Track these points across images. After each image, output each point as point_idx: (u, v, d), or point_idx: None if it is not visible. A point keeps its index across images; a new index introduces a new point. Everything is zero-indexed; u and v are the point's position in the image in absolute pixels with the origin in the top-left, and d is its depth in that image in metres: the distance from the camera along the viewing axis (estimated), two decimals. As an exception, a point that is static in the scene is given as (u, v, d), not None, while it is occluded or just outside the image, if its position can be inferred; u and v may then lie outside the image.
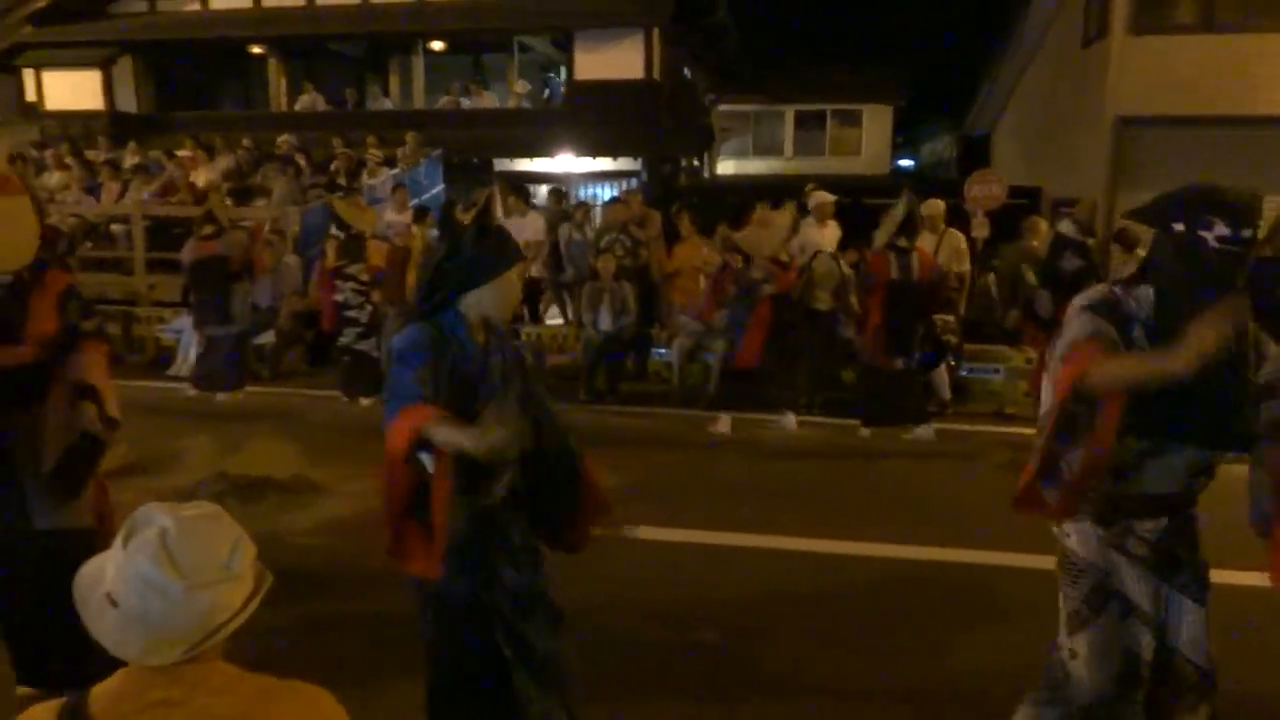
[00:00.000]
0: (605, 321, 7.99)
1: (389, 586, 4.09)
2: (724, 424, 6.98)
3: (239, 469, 5.50)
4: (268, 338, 8.69)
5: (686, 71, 17.01)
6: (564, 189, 12.56)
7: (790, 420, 7.03)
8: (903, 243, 6.64)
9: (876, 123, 20.85)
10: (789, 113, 20.95)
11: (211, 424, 6.96)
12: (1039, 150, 14.72)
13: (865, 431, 6.82)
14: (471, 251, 2.44)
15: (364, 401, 7.49)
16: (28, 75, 15.73)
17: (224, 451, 6.08)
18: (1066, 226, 6.16)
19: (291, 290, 8.90)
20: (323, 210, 10.22)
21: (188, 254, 7.68)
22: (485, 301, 2.47)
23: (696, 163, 18.39)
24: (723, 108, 20.59)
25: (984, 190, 9.25)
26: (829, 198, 8.35)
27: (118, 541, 1.39)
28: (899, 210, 6.71)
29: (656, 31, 14.01)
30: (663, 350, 8.50)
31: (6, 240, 2.82)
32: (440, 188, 12.81)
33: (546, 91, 16.26)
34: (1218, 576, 2.41)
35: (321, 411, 7.45)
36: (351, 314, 7.60)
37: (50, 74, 15.48)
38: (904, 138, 25.21)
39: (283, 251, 9.39)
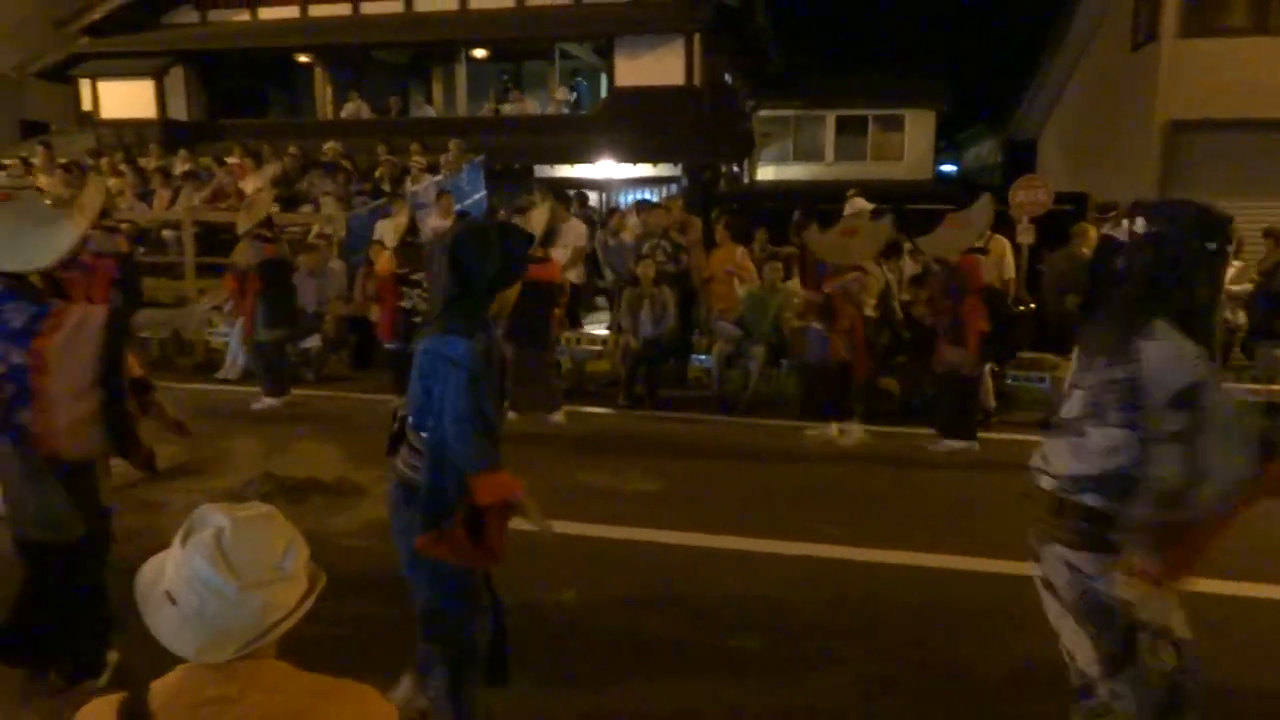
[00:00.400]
0: (645, 327, 8.01)
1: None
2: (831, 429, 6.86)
3: (285, 471, 5.60)
4: (314, 341, 8.82)
5: (727, 77, 16.99)
6: (586, 194, 12.63)
7: (832, 429, 6.94)
8: (980, 244, 6.59)
9: (919, 128, 20.64)
10: (830, 118, 20.82)
11: (258, 426, 7.09)
12: (1086, 155, 14.49)
13: (958, 443, 6.44)
14: (504, 252, 2.52)
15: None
16: (84, 85, 16.16)
17: (270, 453, 6.20)
18: (1117, 228, 6.03)
19: (337, 295, 9.04)
20: (368, 216, 10.38)
21: (253, 256, 7.65)
22: (504, 301, 2.58)
23: (736, 169, 18.35)
24: (763, 113, 20.53)
25: (1029, 196, 9.12)
26: (866, 205, 8.31)
27: (176, 540, 1.42)
28: (983, 213, 6.57)
29: (697, 37, 14.03)
30: (702, 356, 8.50)
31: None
32: (482, 194, 12.92)
33: (574, 94, 16.32)
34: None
35: (365, 415, 7.55)
36: (419, 320, 7.73)
37: (105, 84, 15.89)
38: (947, 143, 24.93)
39: (328, 256, 9.54)
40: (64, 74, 16.33)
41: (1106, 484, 2.22)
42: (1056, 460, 2.35)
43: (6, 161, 13.54)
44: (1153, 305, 2.19)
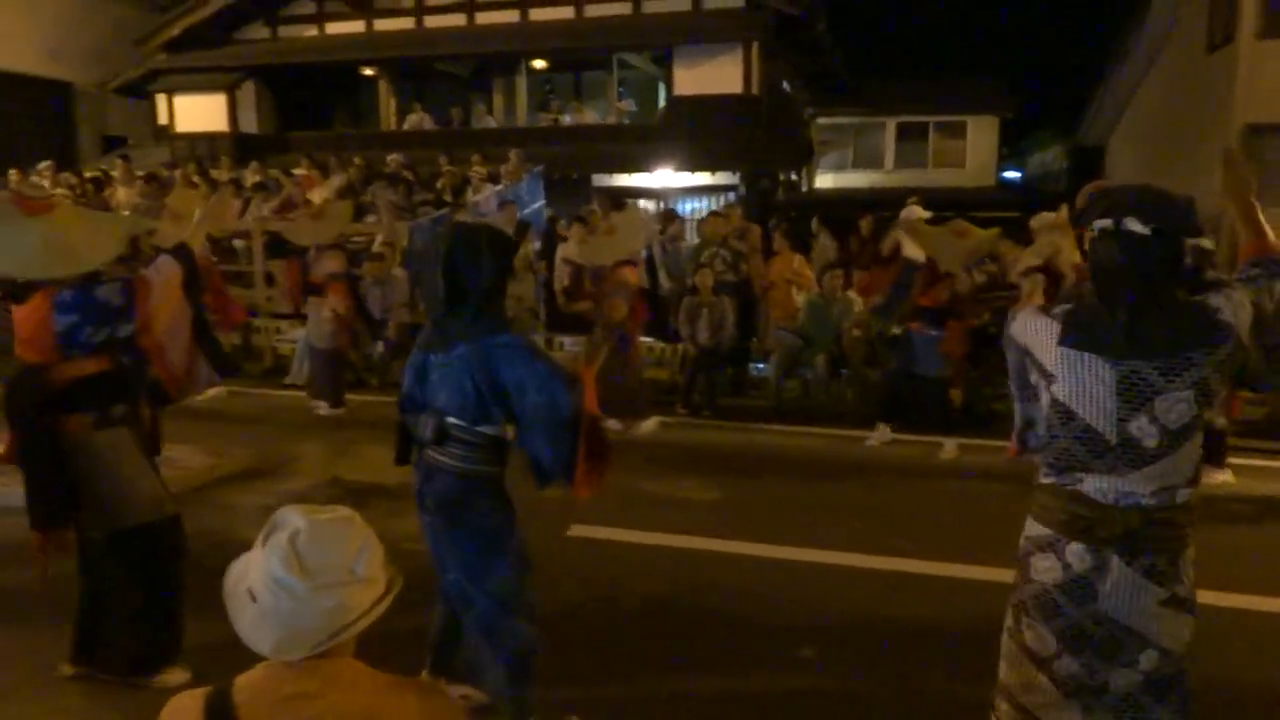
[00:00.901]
0: (703, 335, 8.01)
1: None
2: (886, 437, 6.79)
3: (351, 474, 5.73)
4: (377, 348, 8.99)
5: (785, 85, 16.92)
6: (624, 200, 12.66)
7: (950, 447, 6.69)
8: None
9: (982, 134, 20.31)
10: (890, 125, 20.60)
11: (324, 431, 7.26)
12: (1158, 160, 14.09)
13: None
14: (495, 261, 2.81)
15: None
16: (160, 100, 16.74)
17: (336, 457, 6.34)
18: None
19: (400, 302, 9.20)
20: (429, 225, 10.56)
21: (335, 264, 7.79)
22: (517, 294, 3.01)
23: (795, 177, 18.25)
24: (822, 121, 20.39)
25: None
26: (921, 213, 8.21)
27: (258, 540, 1.47)
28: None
29: (756, 46, 14.00)
30: (760, 365, 8.46)
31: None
32: (541, 203, 13.05)
33: (633, 104, 16.37)
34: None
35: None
36: None
37: (181, 98, 16.44)
38: (1010, 149, 24.47)
39: (391, 265, 9.72)
40: (142, 90, 16.93)
41: None
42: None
43: (89, 174, 14.08)
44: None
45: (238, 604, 1.45)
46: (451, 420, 2.78)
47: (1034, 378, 2.23)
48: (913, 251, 6.48)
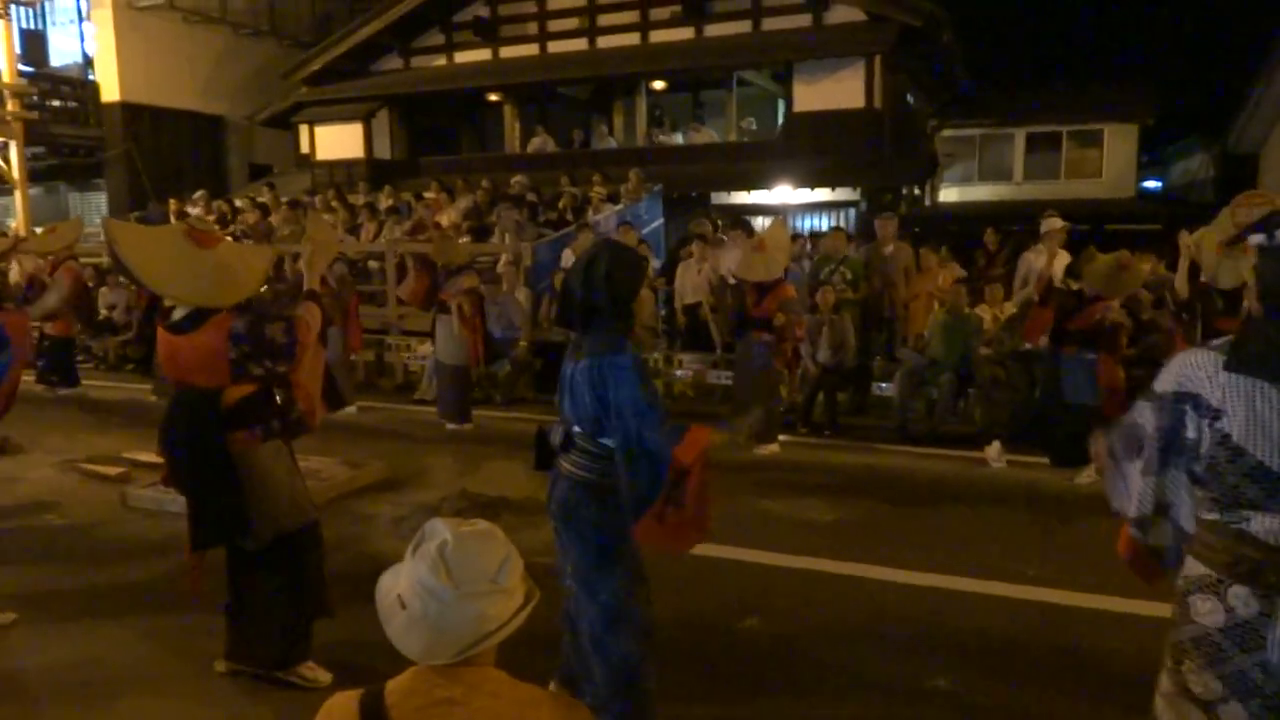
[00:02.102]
0: (823, 354, 7.91)
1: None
2: (994, 452, 6.62)
3: (478, 488, 5.91)
4: (502, 366, 9.25)
5: (909, 98, 16.59)
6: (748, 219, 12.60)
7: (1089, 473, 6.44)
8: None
9: (1119, 142, 19.33)
10: (1019, 135, 19.84)
11: (452, 445, 7.51)
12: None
13: None
14: (612, 283, 2.85)
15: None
16: (303, 130, 17.77)
17: (464, 471, 6.56)
18: None
19: (524, 321, 9.46)
20: (553, 245, 10.83)
21: (470, 283, 8.09)
22: (639, 312, 3.03)
23: (918, 191, 17.83)
24: (946, 133, 19.84)
25: (1252, 214, 8.34)
26: (1060, 223, 7.90)
27: (409, 550, 1.55)
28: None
29: (878, 59, 13.80)
30: (884, 384, 8.29)
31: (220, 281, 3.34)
32: (660, 221, 13.20)
33: (749, 120, 16.36)
34: None
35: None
36: None
37: (321, 128, 17.40)
38: (1150, 157, 23.21)
39: (515, 284, 10.01)
40: (286, 121, 18.02)
41: None
42: None
43: (239, 202, 15.06)
44: None
45: (388, 610, 1.53)
46: (576, 429, 2.90)
47: (1191, 431, 2.02)
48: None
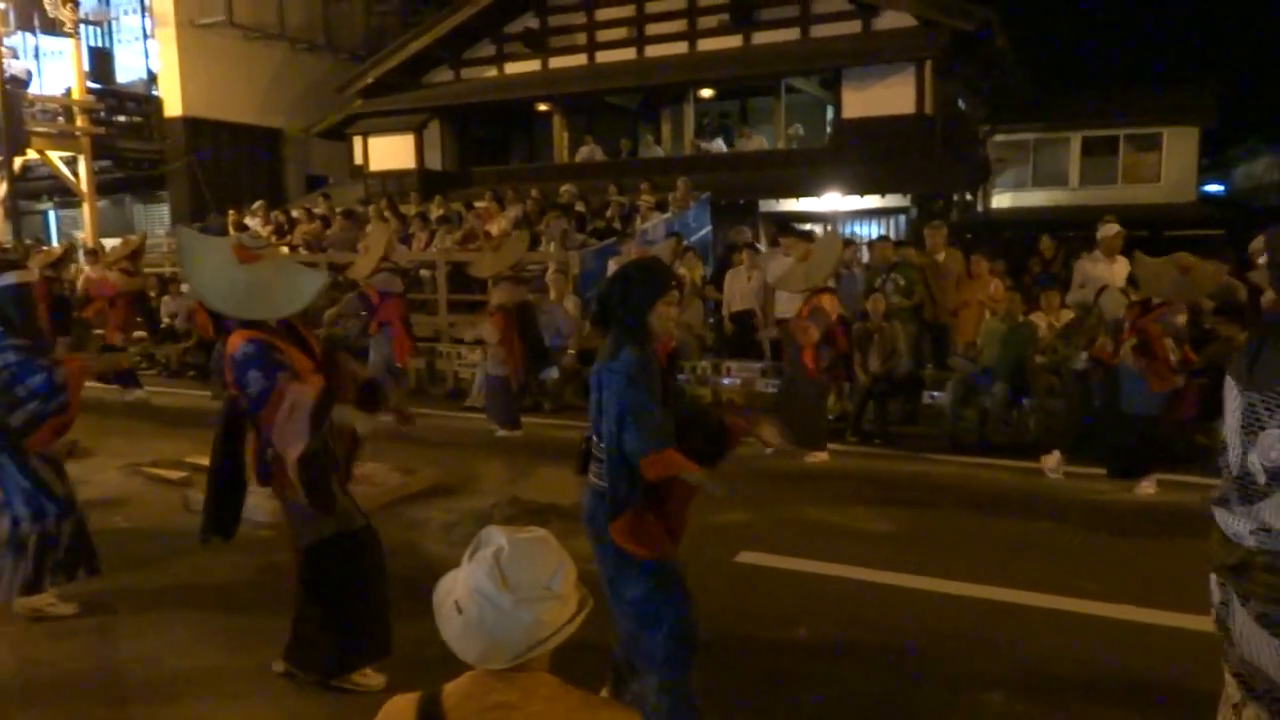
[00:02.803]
0: (874, 362, 7.84)
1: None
2: (1054, 462, 6.51)
3: (528, 495, 5.96)
4: (551, 373, 9.32)
5: (960, 102, 16.39)
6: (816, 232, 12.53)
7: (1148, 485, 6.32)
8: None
9: (1179, 146, 18.86)
10: (1075, 139, 19.47)
11: (502, 452, 7.59)
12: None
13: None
14: (626, 299, 2.91)
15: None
16: (357, 142, 18.13)
17: (515, 478, 6.62)
18: None
19: (572, 329, 9.53)
20: (600, 254, 10.89)
21: (503, 296, 8.21)
22: (660, 319, 2.95)
23: (970, 197, 17.60)
24: (999, 138, 19.55)
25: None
26: (1117, 229, 7.75)
27: (465, 555, 1.59)
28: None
29: (929, 65, 13.66)
30: (935, 393, 8.19)
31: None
32: (708, 229, 13.21)
33: (796, 126, 16.30)
34: None
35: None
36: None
37: (374, 139, 17.74)
38: (1211, 160, 22.60)
39: (563, 292, 10.09)
40: (341, 133, 18.39)
41: None
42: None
43: (295, 212, 15.40)
44: None
45: (445, 615, 1.56)
46: (593, 437, 2.97)
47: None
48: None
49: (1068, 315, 7.93)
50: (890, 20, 14.29)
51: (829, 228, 10.67)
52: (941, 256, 8.75)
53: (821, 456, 7.14)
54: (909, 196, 14.26)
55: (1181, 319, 5.96)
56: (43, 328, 4.22)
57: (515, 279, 8.14)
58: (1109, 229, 7.87)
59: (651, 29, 16.09)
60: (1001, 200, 19.98)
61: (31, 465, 4.10)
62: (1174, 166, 18.87)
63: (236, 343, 3.33)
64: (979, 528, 5.59)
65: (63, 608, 4.27)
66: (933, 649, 3.91)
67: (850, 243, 10.25)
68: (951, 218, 15.02)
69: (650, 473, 2.74)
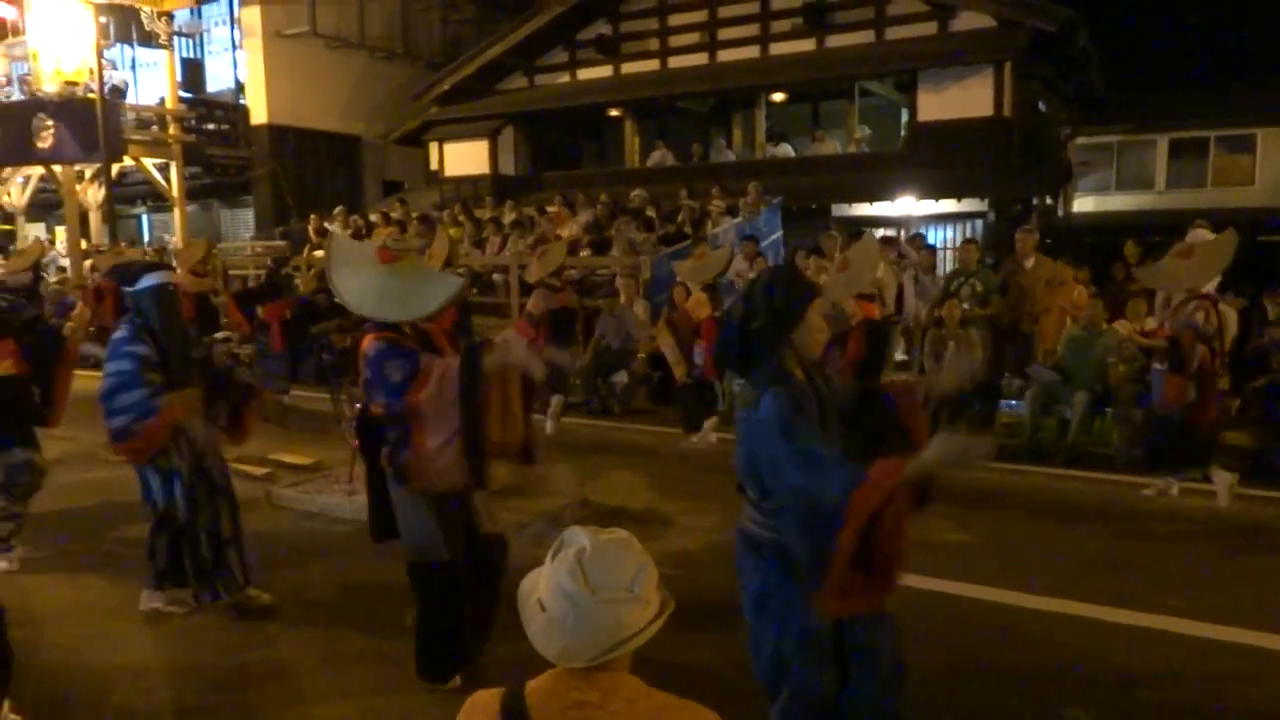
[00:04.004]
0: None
1: (732, 620, 4.25)
2: (1171, 487, 6.23)
3: (599, 497, 6.01)
4: (620, 376, 9.38)
5: (1040, 104, 15.99)
6: (893, 236, 12.34)
7: (1173, 488, 6.23)
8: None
9: (1274, 147, 18.10)
10: (1162, 142, 18.83)
11: (571, 454, 7.65)
12: None
13: None
14: (770, 304, 2.55)
15: (694, 438, 7.92)
16: (432, 148, 18.50)
17: (585, 480, 6.68)
18: None
19: (642, 333, 9.56)
20: (668, 259, 10.91)
21: (532, 305, 8.37)
22: (798, 344, 2.58)
23: (1050, 201, 17.14)
24: (1081, 140, 19.02)
25: None
26: (1206, 235, 7.47)
27: (549, 555, 1.62)
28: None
29: (1008, 66, 13.36)
30: (1013, 402, 7.99)
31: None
32: (779, 234, 13.12)
33: (863, 128, 16.08)
34: None
35: (666, 447, 7.91)
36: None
37: (449, 146, 18.08)
38: (1312, 162, 21.55)
39: (633, 297, 10.13)
40: (417, 139, 18.80)
41: None
42: None
43: (372, 217, 15.78)
44: None
45: (529, 613, 1.60)
46: (740, 480, 2.75)
47: None
48: None
49: (1153, 324, 7.67)
50: (968, 21, 14.02)
51: (868, 232, 10.42)
52: (1031, 262, 8.53)
53: None
54: (986, 201, 13.96)
55: (1200, 315, 5.80)
56: (185, 329, 4.26)
57: (549, 287, 8.23)
58: (1198, 234, 7.58)
59: (724, 33, 16.07)
60: (1083, 205, 19.42)
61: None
62: (1269, 169, 18.10)
63: (368, 343, 3.39)
64: (1058, 540, 5.45)
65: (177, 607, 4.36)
66: (1014, 662, 3.83)
67: (927, 246, 10.10)
68: (1031, 222, 14.67)
69: (866, 508, 2.31)
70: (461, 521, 3.51)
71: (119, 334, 4.07)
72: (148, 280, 4.09)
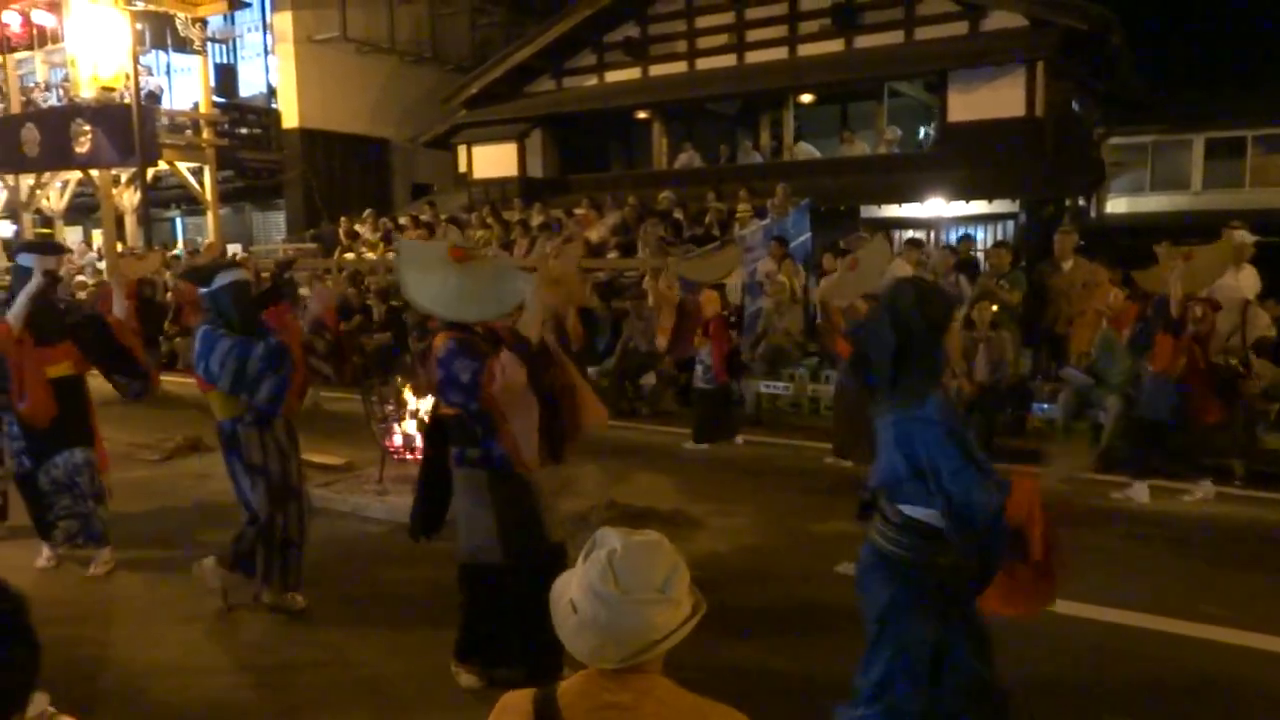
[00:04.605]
0: (980, 373, 7.62)
1: (761, 623, 4.24)
2: (1140, 492, 6.22)
3: (626, 499, 6.01)
4: (648, 378, 9.38)
5: (1073, 104, 15.79)
6: (922, 238, 12.26)
7: (1208, 488, 6.17)
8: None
9: (1316, 146, 17.77)
10: (1198, 141, 18.54)
11: (597, 456, 7.65)
12: None
13: None
14: (924, 314, 2.62)
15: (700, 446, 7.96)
16: (461, 151, 18.61)
17: (613, 481, 6.69)
18: None
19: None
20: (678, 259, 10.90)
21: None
22: (948, 351, 2.73)
23: (1083, 202, 16.93)
24: (1114, 140, 18.77)
25: None
26: (1247, 237, 7.35)
27: (580, 555, 1.62)
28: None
29: (1040, 66, 13.20)
30: (1045, 405, 7.90)
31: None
32: (807, 235, 13.05)
33: (892, 129, 15.95)
34: None
35: (694, 449, 7.90)
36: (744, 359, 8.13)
37: (478, 148, 18.17)
38: (1353, 161, 21.12)
39: (661, 298, 10.12)
40: (446, 142, 18.91)
41: None
42: None
43: (402, 219, 15.91)
44: None
45: (562, 614, 1.60)
46: (880, 493, 2.71)
47: None
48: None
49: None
50: (999, 20, 13.87)
51: (879, 234, 10.34)
52: (1069, 264, 8.42)
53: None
54: (1017, 202, 13.81)
55: (1199, 310, 5.79)
56: (259, 321, 4.35)
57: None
58: (1239, 236, 7.46)
59: (752, 35, 16.02)
60: (1117, 205, 19.18)
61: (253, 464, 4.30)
62: (1310, 169, 17.77)
63: (440, 343, 3.42)
64: (1093, 547, 5.36)
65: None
66: (1053, 672, 3.77)
67: (956, 249, 10.02)
68: (1067, 223, 14.49)
69: (1021, 510, 2.49)
70: (527, 527, 3.49)
71: (203, 329, 4.19)
72: (223, 278, 4.26)
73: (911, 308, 2.60)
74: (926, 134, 16.24)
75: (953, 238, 13.83)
